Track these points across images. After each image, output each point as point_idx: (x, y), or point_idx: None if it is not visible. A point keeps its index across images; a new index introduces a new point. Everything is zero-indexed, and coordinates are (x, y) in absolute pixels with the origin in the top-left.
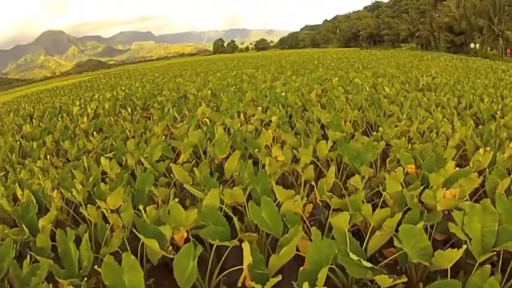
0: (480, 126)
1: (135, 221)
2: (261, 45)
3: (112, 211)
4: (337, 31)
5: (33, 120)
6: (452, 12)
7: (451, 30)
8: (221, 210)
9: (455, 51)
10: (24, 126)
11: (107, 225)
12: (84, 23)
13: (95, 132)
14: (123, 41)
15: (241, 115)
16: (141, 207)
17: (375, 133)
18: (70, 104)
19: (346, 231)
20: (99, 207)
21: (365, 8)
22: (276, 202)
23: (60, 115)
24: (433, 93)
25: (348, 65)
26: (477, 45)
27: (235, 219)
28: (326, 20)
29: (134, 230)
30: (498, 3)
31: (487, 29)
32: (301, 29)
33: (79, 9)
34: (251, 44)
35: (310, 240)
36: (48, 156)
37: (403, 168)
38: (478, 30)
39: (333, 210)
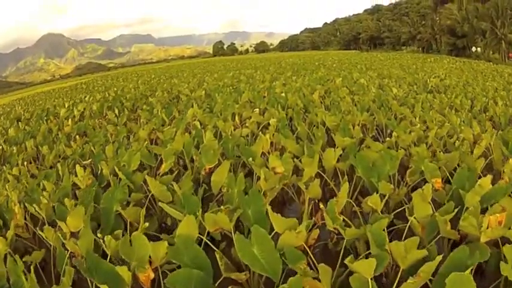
0: (500, 132)
1: (87, 256)
2: (261, 48)
3: (73, 234)
4: (338, 34)
5: (20, 123)
6: (454, 15)
7: (453, 33)
8: (203, 239)
9: (457, 54)
10: (9, 130)
11: (67, 252)
12: (84, 26)
13: (77, 136)
14: (123, 44)
15: (236, 117)
16: (100, 235)
17: (388, 139)
18: (59, 106)
19: (370, 280)
20: (60, 228)
21: (365, 11)
22: (272, 233)
23: (47, 118)
24: (443, 95)
25: (350, 66)
26: (478, 48)
27: (218, 255)
28: (326, 23)
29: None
30: (501, 7)
31: (490, 32)
32: (301, 32)
33: (79, 12)
34: (251, 46)
35: (318, 278)
36: (25, 163)
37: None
38: (481, 33)
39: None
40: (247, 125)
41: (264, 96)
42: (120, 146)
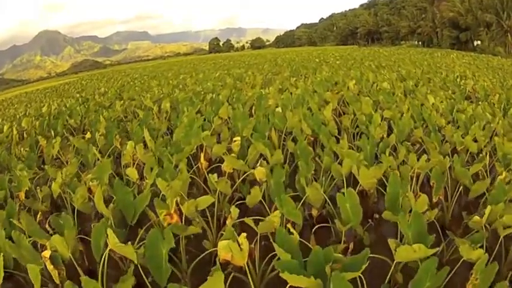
0: None
1: None
2: (257, 44)
3: None
4: (334, 29)
5: None
6: (457, 7)
7: (455, 26)
8: None
9: (460, 48)
10: None
11: None
12: (80, 23)
13: None
14: (119, 41)
15: (202, 159)
16: None
17: (477, 218)
18: (7, 120)
19: None
20: None
21: (361, 5)
22: None
23: None
24: (486, 104)
25: (357, 63)
26: (479, 42)
27: None
28: (322, 18)
29: None
30: None
31: (496, 24)
32: (297, 28)
33: (75, 9)
34: (247, 43)
35: None
36: None
37: None
38: (485, 25)
39: None
40: (213, 180)
41: (251, 114)
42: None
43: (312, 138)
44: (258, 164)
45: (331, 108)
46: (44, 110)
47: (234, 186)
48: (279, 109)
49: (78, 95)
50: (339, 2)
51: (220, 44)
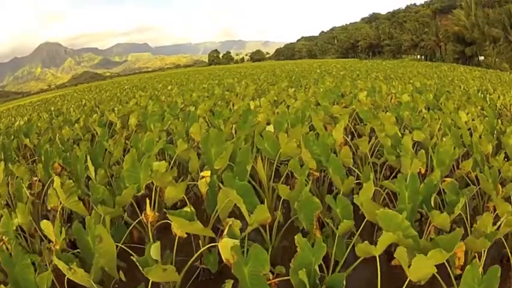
0: None
1: None
2: (257, 57)
3: None
4: (335, 41)
5: None
6: (463, 21)
7: (460, 40)
8: None
9: (464, 62)
10: None
11: None
12: (81, 35)
13: None
14: (119, 53)
15: (147, 210)
16: None
17: None
18: None
19: None
20: None
21: (362, 19)
22: None
23: None
24: None
25: (363, 74)
26: (482, 57)
27: None
28: (323, 32)
29: None
30: None
31: (503, 39)
32: (298, 40)
33: (75, 21)
34: (246, 55)
35: None
36: None
37: None
38: (492, 40)
39: None
40: (152, 261)
41: (233, 134)
42: None
43: (317, 174)
44: (226, 232)
45: (342, 128)
46: (16, 125)
47: (196, 255)
48: (270, 128)
49: (52, 108)
50: (340, 16)
51: (220, 56)
